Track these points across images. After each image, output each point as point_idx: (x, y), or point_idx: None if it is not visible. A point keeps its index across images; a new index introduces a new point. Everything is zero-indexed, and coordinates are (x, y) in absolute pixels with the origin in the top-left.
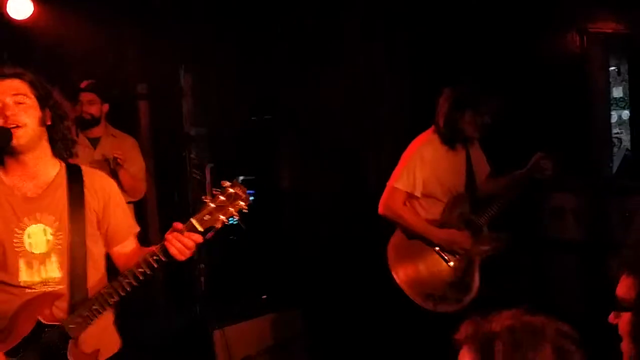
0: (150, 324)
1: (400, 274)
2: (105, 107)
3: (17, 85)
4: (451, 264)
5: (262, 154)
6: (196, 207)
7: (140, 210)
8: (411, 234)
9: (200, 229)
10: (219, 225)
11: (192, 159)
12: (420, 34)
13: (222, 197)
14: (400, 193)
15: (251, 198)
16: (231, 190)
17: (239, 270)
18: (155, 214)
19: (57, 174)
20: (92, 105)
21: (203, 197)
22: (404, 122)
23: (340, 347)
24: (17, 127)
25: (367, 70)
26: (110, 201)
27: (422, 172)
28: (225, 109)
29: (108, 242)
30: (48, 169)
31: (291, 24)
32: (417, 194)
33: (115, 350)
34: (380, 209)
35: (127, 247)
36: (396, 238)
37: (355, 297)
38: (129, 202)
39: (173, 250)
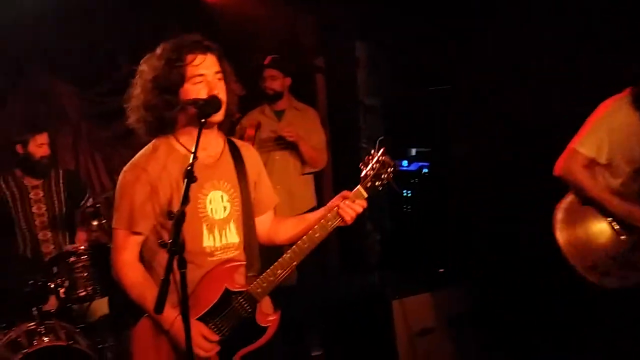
0: (327, 292)
1: (565, 237)
2: (288, 80)
3: (215, 61)
4: (622, 237)
5: (437, 125)
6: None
7: (315, 180)
8: (585, 199)
9: (365, 195)
10: (379, 189)
11: (364, 129)
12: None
13: (376, 165)
14: (582, 157)
15: (425, 170)
16: (381, 157)
17: (413, 241)
18: (330, 184)
19: (223, 145)
20: (275, 81)
21: (360, 165)
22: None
23: (517, 322)
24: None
25: (548, 40)
26: (261, 173)
27: (610, 139)
28: (399, 80)
29: (255, 212)
30: (217, 140)
31: None
32: (602, 160)
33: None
34: (557, 171)
35: (269, 217)
36: (567, 200)
37: (528, 272)
38: (308, 173)
39: (348, 217)
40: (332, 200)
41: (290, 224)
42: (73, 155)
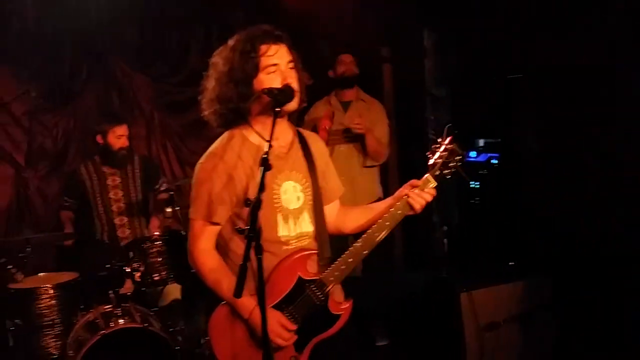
0: (393, 283)
1: None
2: (356, 71)
3: (287, 50)
4: None
5: (508, 115)
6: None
7: (382, 172)
8: None
9: (434, 183)
10: (447, 176)
11: (432, 119)
12: None
13: (444, 153)
14: None
15: (494, 161)
16: (449, 145)
17: (482, 234)
18: (397, 175)
19: (293, 136)
20: (352, 66)
21: (427, 153)
22: None
23: (588, 318)
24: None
25: (627, 27)
26: (328, 162)
27: None
28: (468, 69)
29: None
30: (288, 130)
31: None
32: None
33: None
34: None
35: (335, 206)
36: None
37: (602, 267)
38: (370, 166)
39: (417, 206)
40: (400, 189)
41: (358, 213)
42: (146, 144)
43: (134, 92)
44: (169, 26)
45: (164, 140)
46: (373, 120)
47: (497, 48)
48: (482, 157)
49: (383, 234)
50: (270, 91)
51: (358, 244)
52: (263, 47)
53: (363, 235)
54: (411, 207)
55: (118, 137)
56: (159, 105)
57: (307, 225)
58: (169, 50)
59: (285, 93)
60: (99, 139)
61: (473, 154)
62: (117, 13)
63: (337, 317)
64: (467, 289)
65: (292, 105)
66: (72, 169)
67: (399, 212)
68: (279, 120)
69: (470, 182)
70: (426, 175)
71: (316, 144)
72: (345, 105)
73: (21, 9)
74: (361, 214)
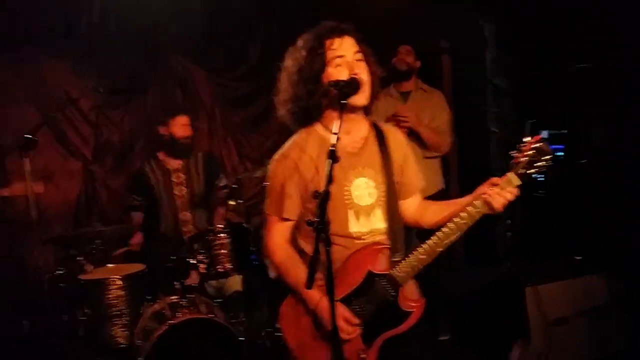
0: (457, 278)
1: None
2: (417, 62)
3: (353, 42)
4: None
5: (574, 106)
6: (495, 161)
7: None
8: None
9: (517, 182)
10: (531, 176)
11: (492, 112)
12: None
13: (529, 152)
14: None
15: (559, 153)
16: (536, 144)
17: (547, 228)
18: (456, 167)
19: (368, 130)
20: (409, 56)
21: (511, 153)
22: None
23: None
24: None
25: None
26: (408, 156)
27: None
28: (532, 59)
29: (401, 195)
30: (360, 125)
31: None
32: None
33: None
34: None
35: (415, 200)
36: None
37: None
38: (433, 157)
39: (497, 205)
40: (479, 187)
41: (438, 208)
42: (208, 139)
43: (195, 88)
44: (230, 22)
45: (225, 135)
46: (432, 109)
47: (563, 37)
48: None
49: (459, 233)
50: (336, 83)
51: (431, 242)
52: (328, 42)
53: (437, 233)
54: (490, 206)
55: (181, 125)
56: (219, 100)
57: (379, 221)
58: (230, 46)
59: (350, 85)
60: (163, 130)
61: None
62: (179, 9)
63: (408, 314)
64: (532, 283)
65: (361, 98)
66: (137, 168)
67: (477, 210)
68: (352, 115)
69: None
70: (508, 174)
71: (395, 137)
72: (405, 95)
73: (88, 7)
74: (440, 209)
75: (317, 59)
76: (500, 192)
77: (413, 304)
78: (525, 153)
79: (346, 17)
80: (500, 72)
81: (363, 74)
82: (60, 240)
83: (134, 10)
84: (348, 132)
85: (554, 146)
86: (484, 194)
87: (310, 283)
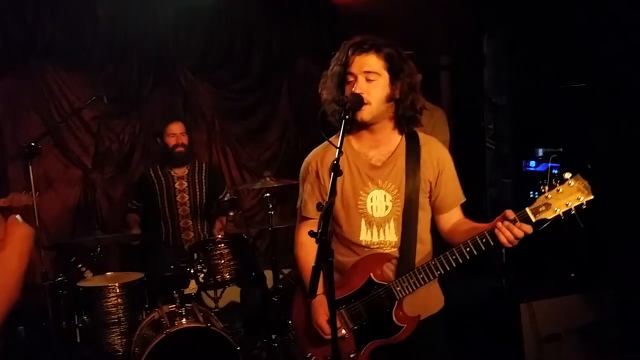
0: (451, 292)
1: None
2: (419, 76)
3: (372, 61)
4: None
5: (569, 125)
6: (490, 176)
7: None
8: None
9: (533, 219)
10: (550, 217)
11: (490, 129)
12: None
13: (560, 189)
14: None
15: (554, 171)
16: (572, 182)
17: (542, 244)
18: None
19: (399, 144)
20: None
21: (541, 188)
22: None
23: None
24: (364, 104)
25: None
26: (444, 171)
27: None
28: (529, 77)
29: (435, 210)
30: (391, 138)
31: None
32: None
33: (434, 312)
34: None
35: (452, 216)
36: None
37: None
38: None
39: (503, 239)
40: (497, 218)
41: (464, 230)
42: (207, 150)
43: (196, 99)
44: (233, 35)
45: (224, 146)
46: (433, 128)
47: (560, 56)
48: (542, 167)
49: (461, 261)
50: (339, 100)
51: (432, 263)
52: (350, 58)
53: (441, 256)
54: (495, 240)
55: (172, 134)
56: (220, 111)
57: (390, 234)
58: (232, 59)
59: (352, 101)
60: (158, 140)
61: (532, 163)
62: (183, 22)
63: (400, 328)
64: (527, 299)
65: (365, 114)
66: (141, 173)
67: (484, 241)
68: (378, 127)
69: (530, 192)
70: (525, 209)
71: (431, 151)
72: None
73: (94, 19)
74: (466, 232)
75: (340, 70)
76: (511, 227)
77: (406, 319)
78: (557, 188)
79: (348, 30)
80: (499, 89)
81: (367, 91)
82: (60, 247)
83: (139, 22)
84: (376, 146)
85: (549, 164)
86: (495, 227)
87: (313, 293)
